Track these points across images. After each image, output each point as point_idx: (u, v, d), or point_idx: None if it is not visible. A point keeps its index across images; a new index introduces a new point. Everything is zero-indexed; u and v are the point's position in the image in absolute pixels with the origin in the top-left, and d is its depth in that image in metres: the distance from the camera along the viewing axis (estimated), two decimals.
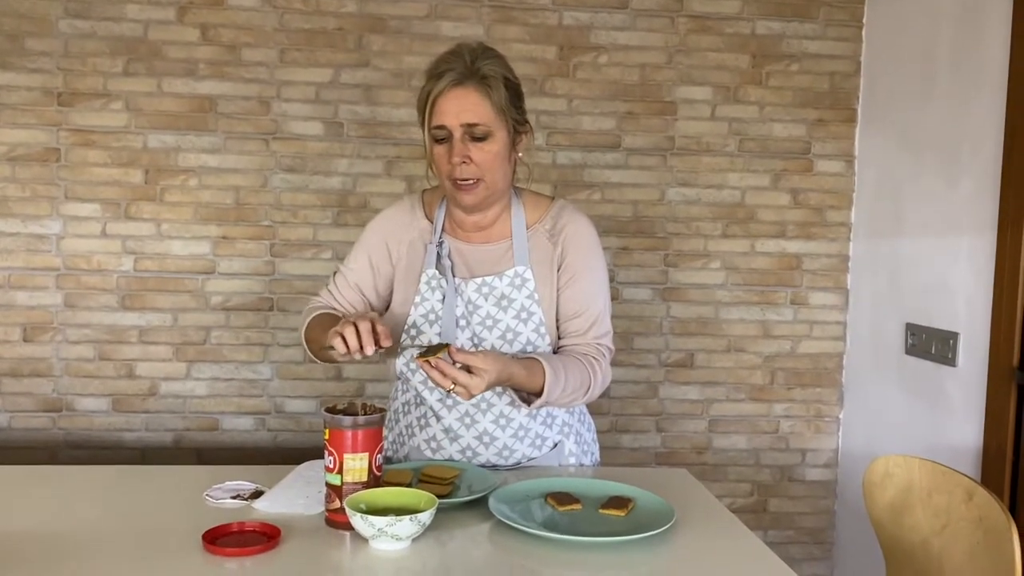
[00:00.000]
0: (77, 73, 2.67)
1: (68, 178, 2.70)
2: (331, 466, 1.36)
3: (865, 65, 2.90)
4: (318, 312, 1.73)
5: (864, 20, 2.89)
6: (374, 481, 1.38)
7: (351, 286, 1.75)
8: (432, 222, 1.72)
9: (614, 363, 1.73)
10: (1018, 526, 1.38)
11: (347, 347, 1.43)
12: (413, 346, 1.67)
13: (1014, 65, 2.16)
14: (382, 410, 1.41)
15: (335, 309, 1.75)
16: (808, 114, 2.91)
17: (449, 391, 1.44)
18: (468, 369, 1.43)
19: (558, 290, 1.67)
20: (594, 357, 1.65)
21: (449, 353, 1.43)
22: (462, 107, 1.54)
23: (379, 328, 1.45)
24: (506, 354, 1.59)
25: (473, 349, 1.60)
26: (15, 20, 2.64)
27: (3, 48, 2.64)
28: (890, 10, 2.76)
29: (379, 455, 1.39)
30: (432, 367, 1.42)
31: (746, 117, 2.89)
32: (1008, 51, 2.18)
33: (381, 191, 2.79)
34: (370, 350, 1.43)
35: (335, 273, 1.79)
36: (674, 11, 2.84)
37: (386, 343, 1.45)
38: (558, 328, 1.69)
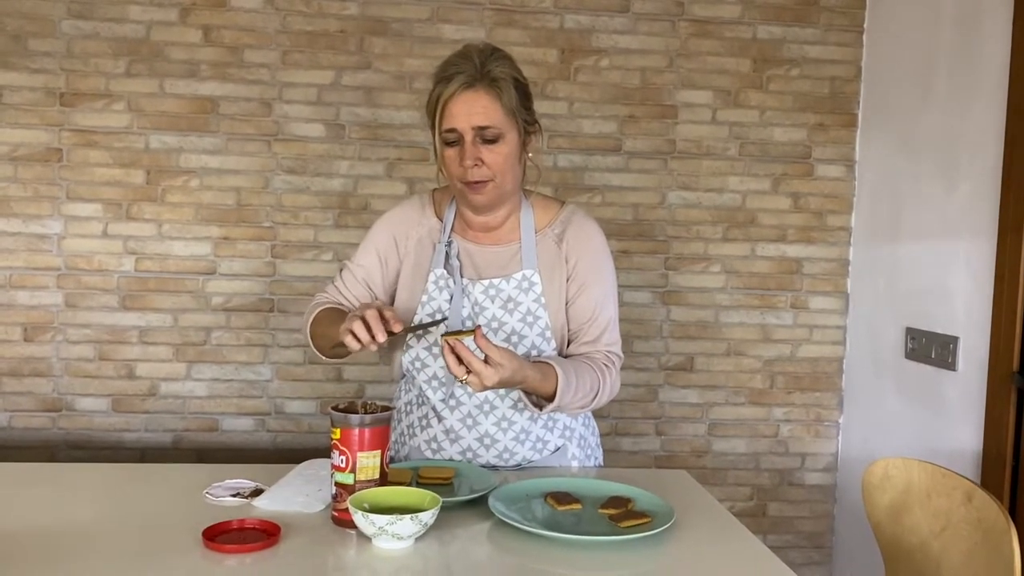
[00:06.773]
0: (79, 73, 2.68)
1: (70, 178, 2.70)
2: (342, 465, 1.35)
3: (865, 70, 2.90)
4: (323, 307, 1.71)
5: (864, 25, 2.90)
6: (384, 478, 1.38)
7: (359, 281, 1.74)
8: (441, 220, 1.71)
9: None
10: (1017, 529, 1.38)
11: (359, 341, 1.42)
12: (414, 327, 1.62)
13: (1014, 70, 2.17)
14: (390, 408, 1.41)
15: (342, 305, 1.73)
16: (808, 118, 2.92)
17: (461, 380, 1.42)
18: (486, 360, 1.41)
19: (568, 299, 1.67)
20: (604, 364, 1.65)
21: (475, 337, 1.41)
22: (473, 110, 1.53)
23: (387, 314, 1.45)
24: (524, 356, 1.57)
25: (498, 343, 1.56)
26: (18, 20, 2.65)
27: (6, 48, 2.65)
28: (890, 15, 2.77)
29: (388, 452, 1.39)
30: (450, 349, 1.40)
31: (746, 121, 2.90)
32: (1008, 56, 2.19)
33: (382, 193, 2.79)
34: (381, 337, 1.42)
35: (341, 270, 1.77)
36: (675, 15, 2.85)
37: (396, 328, 1.44)
38: (568, 336, 1.68)
